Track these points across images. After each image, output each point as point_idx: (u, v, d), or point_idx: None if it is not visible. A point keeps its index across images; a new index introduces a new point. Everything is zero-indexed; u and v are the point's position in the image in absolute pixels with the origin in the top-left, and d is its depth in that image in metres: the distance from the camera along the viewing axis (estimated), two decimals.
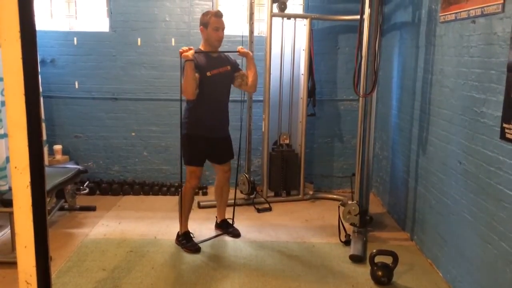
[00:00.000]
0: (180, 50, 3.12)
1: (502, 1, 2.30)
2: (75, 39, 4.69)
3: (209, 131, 3.40)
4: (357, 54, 3.43)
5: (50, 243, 1.69)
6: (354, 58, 3.49)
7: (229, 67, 3.43)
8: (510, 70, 2.21)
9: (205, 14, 3.33)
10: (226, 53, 3.48)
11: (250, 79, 3.44)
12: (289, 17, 4.44)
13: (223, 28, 3.33)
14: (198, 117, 3.33)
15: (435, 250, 3.19)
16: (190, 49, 3.12)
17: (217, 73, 3.33)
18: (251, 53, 3.46)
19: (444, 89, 3.07)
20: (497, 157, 2.36)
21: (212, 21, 3.27)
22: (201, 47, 3.36)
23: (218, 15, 3.30)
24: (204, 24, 3.30)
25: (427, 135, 3.37)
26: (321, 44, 4.71)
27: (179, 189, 3.51)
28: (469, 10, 2.67)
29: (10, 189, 3.23)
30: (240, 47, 3.46)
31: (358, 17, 3.43)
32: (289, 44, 4.52)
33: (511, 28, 2.21)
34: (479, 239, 2.54)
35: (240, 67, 3.52)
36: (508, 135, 2.23)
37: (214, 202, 3.97)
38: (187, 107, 3.39)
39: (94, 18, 4.76)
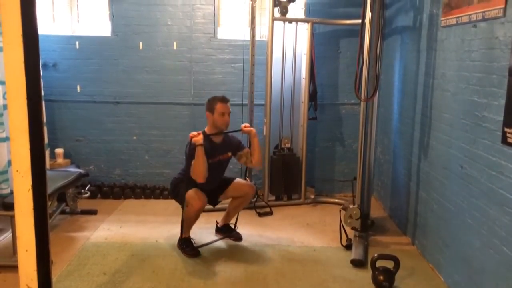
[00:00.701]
0: (190, 135, 3.23)
1: (503, 6, 2.30)
2: (77, 43, 4.71)
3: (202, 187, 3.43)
4: (358, 58, 3.44)
5: (51, 247, 1.69)
6: (356, 62, 3.49)
7: (229, 154, 3.54)
8: (511, 74, 2.21)
9: (211, 99, 3.42)
10: (229, 134, 3.52)
11: (254, 157, 3.52)
12: (290, 21, 4.45)
13: (229, 113, 3.40)
14: (195, 185, 3.35)
15: (436, 254, 3.18)
16: (199, 134, 3.22)
17: (217, 160, 3.44)
18: (254, 130, 3.51)
19: (445, 93, 3.07)
20: (498, 161, 2.35)
21: (218, 107, 3.36)
22: (207, 130, 3.43)
23: (225, 100, 3.39)
24: (210, 109, 3.39)
25: (428, 139, 3.36)
26: (323, 48, 4.72)
27: (182, 204, 3.47)
28: (470, 15, 2.67)
29: (11, 192, 3.24)
30: (244, 125, 3.55)
31: (360, 21, 3.43)
32: (290, 48, 4.52)
33: None
34: (481, 244, 2.53)
35: (243, 144, 3.61)
36: (509, 140, 2.23)
37: (217, 206, 3.96)
38: (182, 173, 3.52)
39: (96, 22, 4.78)
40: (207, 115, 3.43)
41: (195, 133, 3.25)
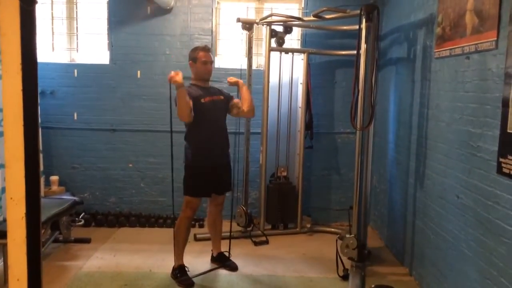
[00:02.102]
0: (168, 76, 3.15)
1: (495, 38, 2.35)
2: (75, 71, 4.75)
3: (211, 157, 3.42)
4: (354, 88, 3.47)
5: (43, 276, 1.66)
6: (351, 92, 3.53)
7: (222, 97, 3.52)
8: (505, 105, 2.24)
9: (193, 49, 3.47)
10: (218, 86, 3.58)
11: (245, 104, 3.50)
12: (287, 51, 4.52)
13: (211, 62, 3.46)
14: (198, 143, 3.38)
15: (434, 285, 3.14)
16: (177, 73, 3.15)
17: (211, 100, 3.41)
18: (241, 80, 3.54)
19: (440, 123, 3.09)
20: (494, 191, 2.36)
21: (200, 56, 3.40)
22: (192, 81, 3.46)
23: (206, 49, 3.44)
24: (192, 59, 3.43)
25: (424, 169, 3.37)
26: (319, 78, 4.78)
27: (175, 221, 3.48)
28: (463, 47, 2.72)
29: (4, 220, 3.20)
30: (229, 77, 3.56)
31: (355, 52, 3.49)
32: (286, 77, 4.58)
33: (505, 64, 2.25)
34: (478, 274, 2.51)
35: (231, 95, 3.62)
36: (505, 170, 2.24)
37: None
38: (187, 136, 3.44)
39: (95, 51, 4.84)
40: (190, 64, 3.45)
41: (173, 73, 3.15)
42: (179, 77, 3.13)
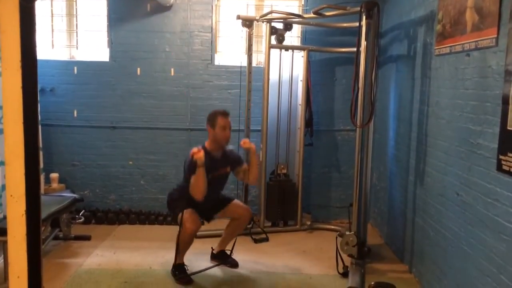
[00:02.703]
0: (192, 152, 3.17)
1: (495, 35, 2.34)
2: (75, 68, 4.75)
3: (202, 209, 3.43)
4: (354, 85, 3.47)
5: (43, 273, 1.66)
6: (351, 89, 3.53)
7: (228, 168, 3.51)
8: (505, 102, 2.24)
9: (212, 114, 3.41)
10: (228, 149, 3.53)
11: (252, 174, 3.50)
12: (286, 48, 4.52)
13: (230, 127, 3.40)
14: (190, 202, 3.32)
15: (434, 283, 3.15)
16: (200, 150, 3.17)
17: (216, 175, 3.40)
18: (253, 147, 3.48)
19: (440, 120, 3.09)
20: (494, 188, 2.36)
21: (219, 121, 3.34)
22: (207, 144, 3.42)
23: (225, 114, 3.38)
24: (211, 124, 3.38)
25: (424, 166, 3.37)
26: (319, 75, 4.78)
27: (177, 222, 3.44)
28: (463, 44, 2.72)
29: (4, 217, 3.20)
30: (243, 140, 3.52)
31: (355, 49, 3.49)
32: (287, 75, 4.58)
33: (505, 61, 2.25)
34: (478, 272, 2.51)
35: (243, 161, 3.61)
36: (504, 167, 2.24)
37: (212, 232, 3.93)
38: (181, 188, 3.44)
39: (95, 48, 4.83)
40: (208, 129, 3.40)
41: (196, 149, 3.19)
42: (201, 155, 3.14)
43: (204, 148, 3.34)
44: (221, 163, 3.46)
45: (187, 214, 3.28)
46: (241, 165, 3.56)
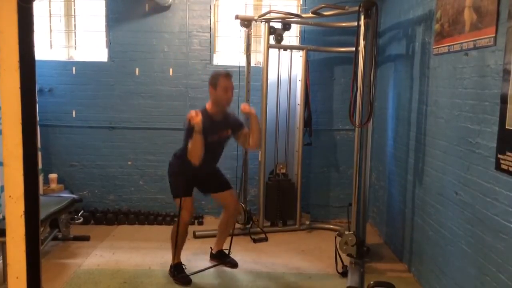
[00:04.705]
0: (189, 116, 3.11)
1: (493, 35, 2.35)
2: (73, 68, 4.74)
3: (200, 174, 3.40)
4: (352, 85, 3.47)
5: (42, 274, 1.66)
6: (350, 89, 3.53)
7: (229, 131, 3.44)
8: (503, 101, 2.24)
9: (214, 75, 3.36)
10: (230, 112, 3.47)
11: (253, 138, 3.42)
12: (285, 48, 4.52)
13: (232, 89, 3.34)
14: (188, 167, 3.27)
15: (433, 282, 3.15)
16: (198, 114, 3.09)
17: (216, 138, 3.34)
18: (253, 112, 3.42)
19: (439, 120, 3.10)
20: (493, 187, 2.36)
21: (221, 82, 3.27)
22: (208, 106, 3.36)
23: (228, 76, 3.32)
24: (213, 84, 3.31)
25: (423, 166, 3.38)
26: (317, 74, 4.78)
27: (175, 219, 3.46)
28: (462, 43, 2.72)
29: (3, 218, 3.20)
30: (244, 104, 3.46)
31: (353, 49, 3.49)
32: (285, 74, 4.58)
33: (503, 60, 2.25)
34: (477, 271, 2.52)
35: (244, 125, 3.53)
36: (503, 166, 2.24)
37: (210, 232, 3.92)
38: (180, 153, 3.38)
39: (93, 49, 4.82)
40: (210, 90, 3.33)
41: (193, 112, 3.11)
42: (199, 120, 3.07)
43: (205, 110, 3.28)
44: (222, 126, 3.38)
45: (185, 203, 3.30)
46: (242, 129, 3.48)
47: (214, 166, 3.54)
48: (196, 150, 3.14)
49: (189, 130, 3.14)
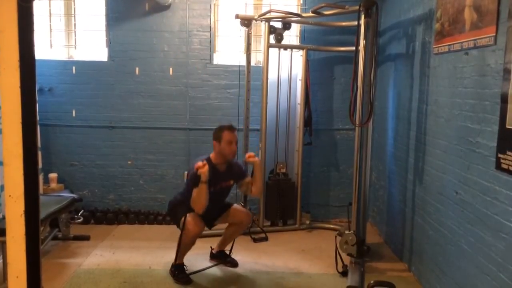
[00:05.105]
0: (196, 166, 3.14)
1: (494, 34, 2.34)
2: (73, 68, 4.74)
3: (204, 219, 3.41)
4: (352, 84, 3.47)
5: (42, 274, 1.66)
6: (350, 88, 3.53)
7: (231, 182, 3.51)
8: (503, 101, 2.24)
9: (218, 128, 3.39)
10: (233, 161, 3.50)
11: (256, 187, 3.51)
12: (285, 48, 4.51)
13: (236, 142, 3.38)
14: (193, 210, 3.31)
15: (433, 281, 3.15)
16: (205, 164, 3.14)
17: (219, 188, 3.39)
18: (258, 161, 3.48)
19: (439, 119, 3.09)
20: (493, 187, 2.36)
21: (225, 136, 3.32)
22: (212, 156, 3.40)
23: (231, 129, 3.37)
24: (217, 138, 3.36)
25: (423, 165, 3.38)
26: (317, 74, 4.77)
27: (179, 226, 3.43)
28: (462, 42, 2.72)
29: (3, 217, 3.20)
30: (249, 154, 3.50)
31: (354, 48, 3.49)
32: (285, 74, 4.58)
33: (503, 59, 2.25)
34: (477, 270, 2.52)
35: (247, 174, 3.61)
36: (503, 165, 2.24)
37: (212, 232, 3.92)
38: (181, 200, 3.43)
39: (93, 48, 4.82)
40: (214, 143, 3.38)
41: (201, 163, 3.16)
42: (205, 170, 3.11)
43: (209, 160, 3.33)
44: (225, 176, 3.44)
45: (190, 217, 3.27)
46: (245, 178, 3.56)
47: (216, 209, 3.55)
48: (200, 199, 3.18)
49: (195, 179, 3.17)
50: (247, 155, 3.50)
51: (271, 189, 4.57)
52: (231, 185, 3.53)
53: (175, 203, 3.51)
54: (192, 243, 3.36)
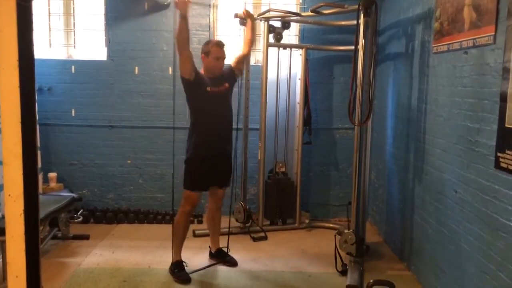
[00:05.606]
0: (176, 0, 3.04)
1: (493, 33, 2.35)
2: (73, 67, 4.74)
3: (213, 146, 3.40)
4: (352, 84, 3.47)
5: (42, 273, 1.66)
6: (349, 87, 3.53)
7: (227, 84, 3.45)
8: (503, 100, 2.24)
9: (207, 43, 3.41)
10: (223, 70, 3.48)
11: (245, 47, 3.59)
12: (284, 47, 4.51)
13: (223, 58, 3.39)
14: (202, 131, 3.34)
15: (433, 280, 3.15)
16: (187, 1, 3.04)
17: (216, 91, 3.36)
18: (252, 17, 3.49)
19: (438, 118, 3.10)
20: (492, 186, 2.36)
21: (213, 51, 3.32)
22: (202, 71, 3.40)
23: (220, 45, 3.36)
24: (205, 52, 3.36)
25: (422, 164, 3.38)
26: (317, 73, 4.77)
27: (174, 217, 3.48)
28: (461, 42, 2.72)
29: (2, 217, 3.20)
30: (245, 10, 3.55)
31: (353, 47, 3.49)
32: (285, 73, 4.58)
33: (502, 58, 2.25)
34: (477, 269, 2.52)
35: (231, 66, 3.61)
36: (502, 164, 2.24)
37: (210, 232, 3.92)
38: (191, 127, 3.41)
39: (93, 47, 4.82)
40: (202, 57, 3.38)
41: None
42: (186, 4, 3.01)
43: (200, 73, 3.34)
44: (220, 81, 3.40)
45: (191, 195, 3.36)
46: (234, 74, 3.55)
47: (228, 141, 3.50)
48: (183, 34, 3.09)
49: (189, 85, 3.26)
50: (243, 10, 3.54)
51: (270, 188, 4.57)
52: (228, 88, 3.45)
53: (189, 151, 3.42)
54: (187, 223, 3.46)
